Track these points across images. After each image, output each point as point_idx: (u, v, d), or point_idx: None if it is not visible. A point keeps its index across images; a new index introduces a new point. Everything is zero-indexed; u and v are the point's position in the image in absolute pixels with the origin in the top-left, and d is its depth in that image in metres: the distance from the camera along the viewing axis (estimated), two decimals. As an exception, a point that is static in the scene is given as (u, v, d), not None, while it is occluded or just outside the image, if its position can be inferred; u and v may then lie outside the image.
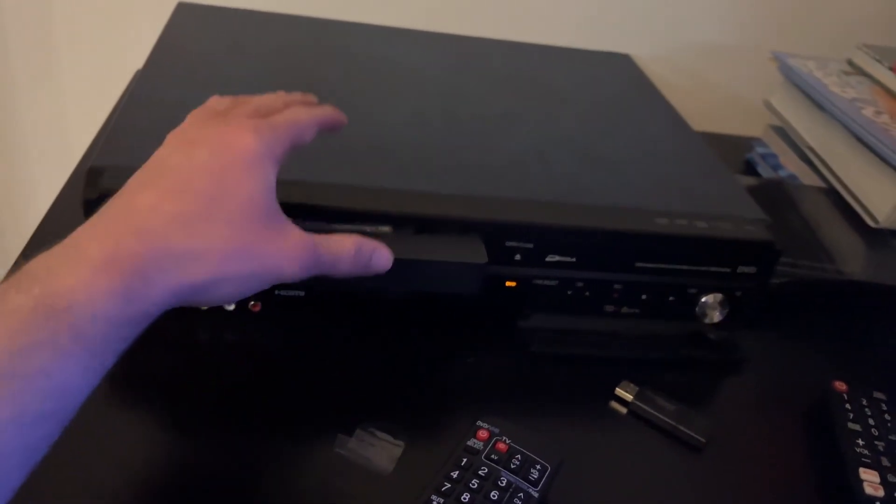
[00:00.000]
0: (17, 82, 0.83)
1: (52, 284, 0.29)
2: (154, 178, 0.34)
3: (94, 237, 0.31)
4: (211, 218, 0.33)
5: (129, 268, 0.30)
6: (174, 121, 0.49)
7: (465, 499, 0.37)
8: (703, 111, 0.88)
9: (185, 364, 0.45)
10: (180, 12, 0.68)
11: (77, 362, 0.29)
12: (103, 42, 0.80)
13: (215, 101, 0.41)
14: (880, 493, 0.43)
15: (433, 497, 0.37)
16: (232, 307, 0.47)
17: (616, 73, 0.76)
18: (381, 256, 0.40)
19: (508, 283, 0.49)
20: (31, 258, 0.30)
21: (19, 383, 0.27)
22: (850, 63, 0.78)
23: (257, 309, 0.47)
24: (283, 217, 0.36)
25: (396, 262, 0.42)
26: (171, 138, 0.37)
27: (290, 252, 0.35)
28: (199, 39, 0.63)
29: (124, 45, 0.80)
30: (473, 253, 0.45)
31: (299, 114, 0.40)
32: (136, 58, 0.75)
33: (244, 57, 0.62)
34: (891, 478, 0.44)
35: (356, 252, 0.39)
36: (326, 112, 0.42)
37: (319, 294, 0.48)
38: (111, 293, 0.30)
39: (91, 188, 0.42)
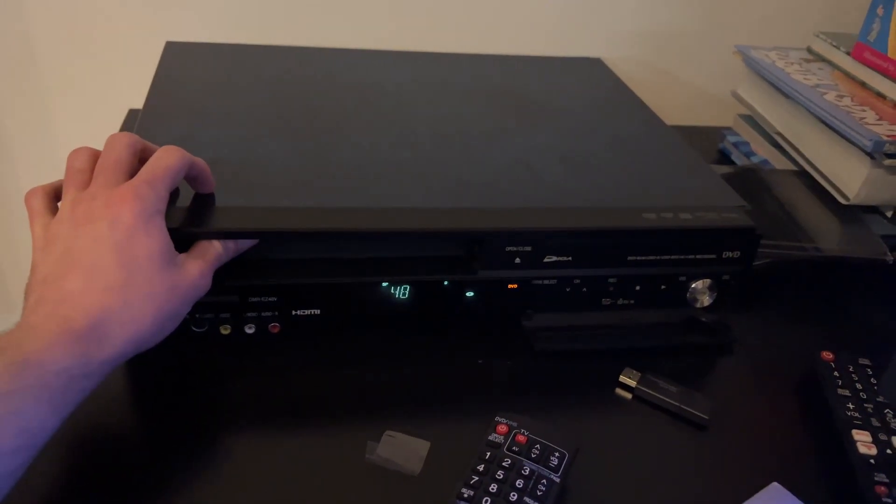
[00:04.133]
0: (9, 130, 0.84)
1: (22, 349, 0.35)
2: (70, 261, 0.39)
3: (46, 319, 0.37)
4: (132, 281, 0.39)
5: (83, 335, 0.37)
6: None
7: (493, 489, 0.40)
8: (675, 106, 0.92)
9: (212, 387, 0.47)
10: (170, 51, 0.70)
11: (43, 407, 0.35)
12: (93, 84, 0.82)
13: (76, 160, 0.43)
14: (873, 450, 0.46)
15: (464, 490, 0.39)
16: (252, 330, 0.50)
17: (590, 77, 0.79)
18: (240, 242, 0.46)
19: (510, 286, 0.52)
20: None
21: None
22: (810, 51, 0.82)
23: (276, 330, 0.50)
24: (177, 253, 0.42)
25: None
26: (62, 223, 0.41)
27: (198, 278, 0.42)
28: (192, 76, 0.66)
29: (114, 85, 0.82)
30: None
31: (169, 159, 0.43)
32: (128, 97, 0.78)
33: (237, 91, 0.64)
34: (881, 436, 0.47)
35: (223, 246, 0.45)
36: (196, 159, 0.45)
37: (335, 312, 0.50)
38: (72, 353, 0.36)
39: None
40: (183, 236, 0.44)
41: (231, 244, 0.45)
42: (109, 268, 0.38)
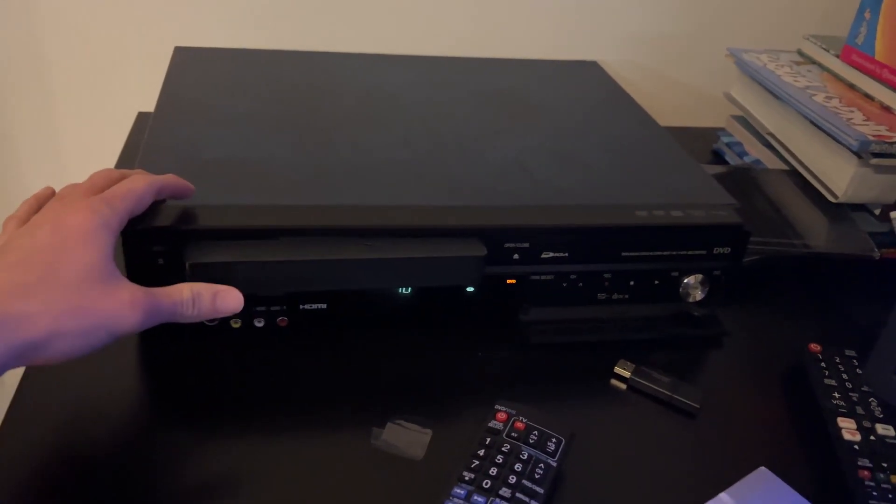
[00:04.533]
0: (19, 134, 0.86)
1: None
2: (0, 255, 0.38)
3: None
4: (47, 284, 0.37)
5: None
6: (192, 162, 0.54)
7: (492, 472, 0.42)
8: (670, 107, 0.94)
9: (224, 378, 0.49)
10: (179, 56, 0.72)
11: None
12: (102, 88, 0.84)
13: (62, 188, 0.44)
14: (857, 437, 0.48)
15: (465, 474, 0.41)
16: (261, 324, 0.52)
17: (585, 79, 0.81)
18: (225, 299, 0.43)
19: (509, 281, 0.54)
20: None
21: None
22: (800, 53, 0.84)
23: (284, 324, 0.52)
24: (120, 278, 0.40)
25: (407, 261, 0.48)
26: (20, 230, 0.41)
27: (126, 305, 0.39)
28: (200, 81, 0.68)
29: (123, 89, 0.84)
30: (473, 248, 0.50)
31: (134, 183, 0.43)
32: (136, 101, 0.80)
33: (245, 95, 0.66)
34: (865, 423, 0.49)
35: (194, 299, 0.42)
36: (165, 179, 0.46)
37: (340, 306, 0.52)
38: None
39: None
40: (181, 234, 0.46)
41: (206, 298, 0.43)
42: (31, 266, 0.37)
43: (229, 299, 0.44)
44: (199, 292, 0.43)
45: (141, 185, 0.44)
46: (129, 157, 0.69)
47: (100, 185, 0.44)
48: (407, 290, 0.53)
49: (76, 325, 0.37)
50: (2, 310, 0.35)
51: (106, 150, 0.74)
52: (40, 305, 0.36)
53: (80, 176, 0.90)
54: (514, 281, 0.54)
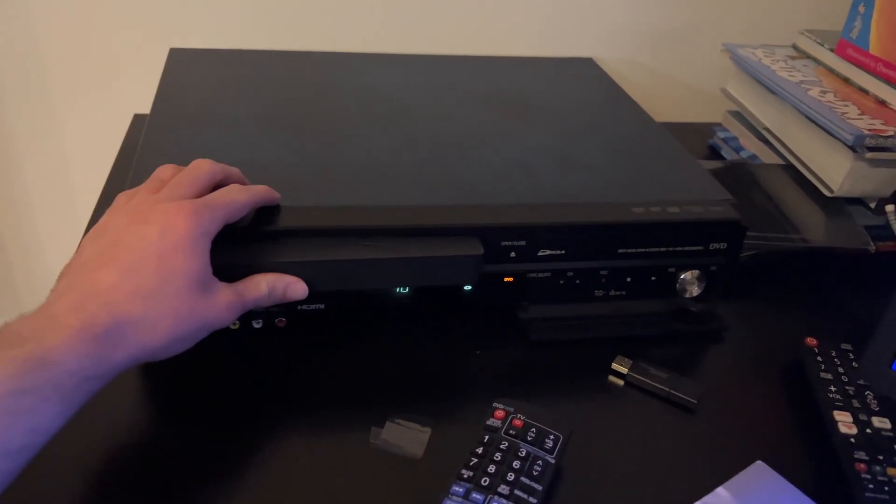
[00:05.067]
0: (17, 135, 0.87)
1: (41, 343, 0.35)
2: (111, 254, 0.40)
3: (70, 309, 0.38)
4: (162, 293, 0.40)
5: (100, 335, 0.38)
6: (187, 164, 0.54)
7: (491, 470, 0.42)
8: (667, 103, 0.94)
9: (221, 380, 0.49)
10: (174, 57, 0.72)
11: (53, 407, 0.36)
12: (99, 90, 0.84)
13: (161, 171, 0.47)
14: (853, 430, 0.49)
15: (464, 471, 0.42)
16: (259, 325, 0.52)
17: (581, 76, 0.81)
18: (294, 290, 0.47)
19: (506, 279, 0.54)
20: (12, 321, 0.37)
21: (8, 420, 0.34)
22: (795, 48, 0.84)
23: (283, 324, 0.52)
24: (216, 282, 0.44)
25: (404, 260, 0.48)
26: (123, 209, 0.43)
27: (223, 307, 0.43)
28: (197, 82, 0.68)
29: (119, 91, 0.84)
30: (471, 246, 0.50)
31: (237, 195, 0.46)
32: (132, 103, 0.80)
33: (242, 96, 0.66)
34: (861, 416, 0.50)
35: (269, 291, 0.46)
36: (261, 192, 0.48)
37: (338, 306, 0.52)
38: (88, 353, 0.37)
39: None
40: None
41: (279, 289, 0.46)
42: (146, 273, 0.39)
43: (298, 290, 0.47)
44: (273, 286, 0.46)
45: (243, 199, 0.46)
46: (127, 160, 0.69)
47: (200, 181, 0.45)
48: (405, 289, 0.53)
49: (185, 331, 0.41)
50: (127, 317, 0.38)
51: (103, 152, 0.74)
52: (158, 314, 0.40)
53: (79, 177, 0.91)
54: (511, 279, 0.54)
